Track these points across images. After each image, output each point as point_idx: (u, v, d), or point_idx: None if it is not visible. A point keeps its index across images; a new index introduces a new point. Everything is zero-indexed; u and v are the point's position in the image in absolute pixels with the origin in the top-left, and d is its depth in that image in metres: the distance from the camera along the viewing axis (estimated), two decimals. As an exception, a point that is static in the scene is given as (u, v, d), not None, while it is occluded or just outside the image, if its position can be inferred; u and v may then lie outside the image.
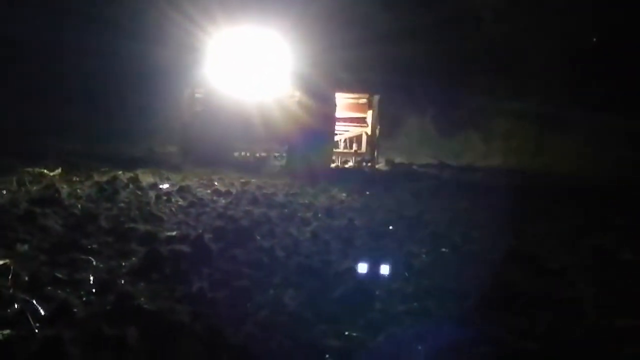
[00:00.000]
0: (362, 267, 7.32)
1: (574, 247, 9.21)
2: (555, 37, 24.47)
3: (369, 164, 15.98)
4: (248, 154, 17.59)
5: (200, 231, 8.65)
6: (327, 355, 5.26)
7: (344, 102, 15.59)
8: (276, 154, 17.06)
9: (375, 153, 16.31)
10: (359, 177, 14.03)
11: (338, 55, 14.15)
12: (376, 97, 15.81)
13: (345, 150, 16.66)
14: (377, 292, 6.67)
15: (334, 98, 14.45)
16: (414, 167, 17.45)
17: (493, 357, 5.31)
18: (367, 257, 7.68)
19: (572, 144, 19.84)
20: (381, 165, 16.14)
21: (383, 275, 7.28)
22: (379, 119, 16.20)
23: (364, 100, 15.82)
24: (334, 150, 15.71)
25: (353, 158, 16.63)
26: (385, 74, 17.05)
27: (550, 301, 6.78)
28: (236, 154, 16.97)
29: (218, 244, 8.19)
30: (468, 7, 26.73)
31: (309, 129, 13.79)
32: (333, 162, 15.85)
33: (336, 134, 15.76)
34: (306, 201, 11.75)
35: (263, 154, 17.66)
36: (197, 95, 15.27)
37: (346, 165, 16.66)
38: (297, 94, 14.23)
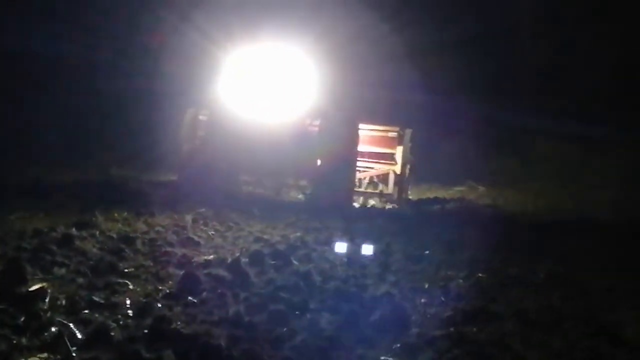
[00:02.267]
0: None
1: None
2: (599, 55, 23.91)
3: (389, 204, 13.81)
4: (258, 190, 14.77)
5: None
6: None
7: (370, 135, 13.74)
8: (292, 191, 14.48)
9: (404, 195, 14.14)
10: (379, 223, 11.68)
11: (366, 78, 12.76)
12: (408, 131, 13.80)
13: (369, 190, 14.40)
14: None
15: (357, 129, 12.75)
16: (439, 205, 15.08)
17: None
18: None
19: (616, 168, 18.80)
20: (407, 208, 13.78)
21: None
22: (410, 156, 14.05)
23: (393, 134, 13.74)
24: (355, 189, 13.59)
25: (378, 199, 14.18)
26: (418, 106, 16.16)
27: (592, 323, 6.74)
28: (246, 188, 14.45)
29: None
30: (507, 24, 25.46)
31: (328, 163, 12.28)
32: (354, 201, 13.55)
33: (359, 171, 13.75)
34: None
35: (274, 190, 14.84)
36: (201, 117, 13.58)
37: (369, 205, 14.16)
38: (317, 122, 12.76)
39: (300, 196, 13.28)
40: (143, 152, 15.67)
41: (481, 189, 17.62)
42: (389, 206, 13.60)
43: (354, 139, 12.45)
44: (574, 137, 20.71)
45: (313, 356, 5.59)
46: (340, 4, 13.05)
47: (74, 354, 5.24)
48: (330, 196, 11.90)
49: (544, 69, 23.83)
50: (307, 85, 12.53)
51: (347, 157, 12.35)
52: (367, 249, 9.25)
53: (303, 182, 13.86)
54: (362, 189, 14.11)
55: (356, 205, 13.44)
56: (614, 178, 17.07)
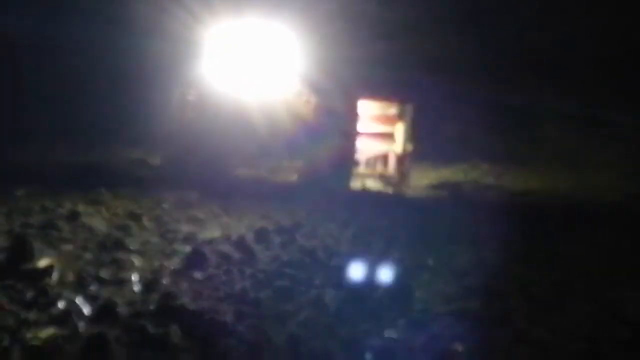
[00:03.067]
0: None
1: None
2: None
3: (391, 187, 12.88)
4: (254, 171, 13.70)
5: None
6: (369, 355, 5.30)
7: (368, 113, 12.84)
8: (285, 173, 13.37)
9: (405, 176, 13.08)
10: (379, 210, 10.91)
11: (361, 52, 11.56)
12: (409, 107, 12.86)
13: (368, 171, 13.17)
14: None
15: (356, 106, 11.90)
16: (449, 191, 13.75)
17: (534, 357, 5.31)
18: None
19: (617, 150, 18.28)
20: (411, 193, 12.66)
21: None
22: (412, 133, 13.01)
23: (393, 111, 12.88)
24: (354, 170, 12.54)
25: (379, 180, 13.14)
26: (421, 75, 13.88)
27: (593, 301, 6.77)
28: (239, 170, 13.23)
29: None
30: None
31: (324, 142, 11.22)
32: (352, 184, 12.53)
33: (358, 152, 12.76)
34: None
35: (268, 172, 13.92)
36: (189, 97, 12.23)
37: (368, 188, 13.01)
38: (311, 99, 11.49)
39: (294, 177, 12.36)
40: (135, 133, 14.97)
41: (484, 167, 17.15)
42: (389, 190, 12.81)
43: (352, 116, 11.81)
44: (578, 119, 20.27)
45: (318, 332, 5.65)
46: None
47: (81, 329, 5.30)
48: (326, 178, 11.12)
49: (545, 50, 23.43)
50: (298, 61, 11.63)
51: (345, 135, 11.57)
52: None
53: (299, 163, 12.57)
54: (360, 170, 13.00)
55: (354, 187, 12.50)
56: (615, 160, 16.66)
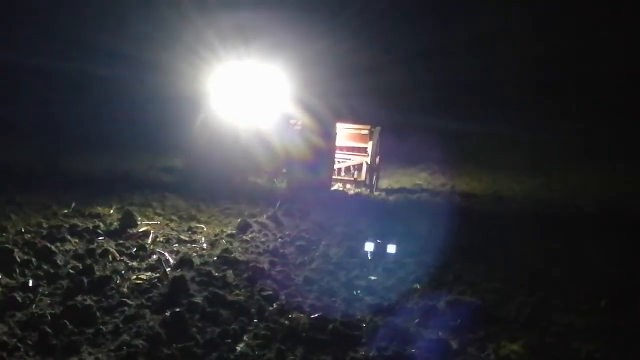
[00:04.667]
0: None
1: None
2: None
3: (367, 191, 11.96)
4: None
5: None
6: (357, 291, 5.38)
7: (346, 132, 12.02)
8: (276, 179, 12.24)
9: (374, 181, 12.40)
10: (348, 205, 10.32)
11: (339, 87, 11.04)
12: (377, 129, 12.27)
13: (346, 177, 12.30)
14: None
15: (335, 128, 10.99)
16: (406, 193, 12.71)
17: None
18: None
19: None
20: (379, 193, 12.01)
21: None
22: (379, 149, 12.46)
23: (365, 131, 12.12)
24: (334, 177, 11.60)
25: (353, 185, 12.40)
26: (386, 107, 13.64)
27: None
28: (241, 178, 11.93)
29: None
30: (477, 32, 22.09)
31: (310, 154, 10.47)
32: (332, 186, 11.56)
33: (338, 162, 11.95)
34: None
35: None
36: (203, 121, 11.13)
37: (346, 190, 12.09)
38: (300, 122, 10.90)
39: (282, 184, 11.42)
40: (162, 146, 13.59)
41: (432, 170, 16.19)
42: (361, 190, 11.83)
43: (331, 135, 10.84)
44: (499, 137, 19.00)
45: (324, 275, 5.79)
46: (313, 30, 11.69)
47: (167, 273, 5.41)
48: (311, 182, 10.42)
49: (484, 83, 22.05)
50: (288, 94, 10.73)
51: (326, 149, 10.70)
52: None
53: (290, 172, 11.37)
54: (340, 177, 12.07)
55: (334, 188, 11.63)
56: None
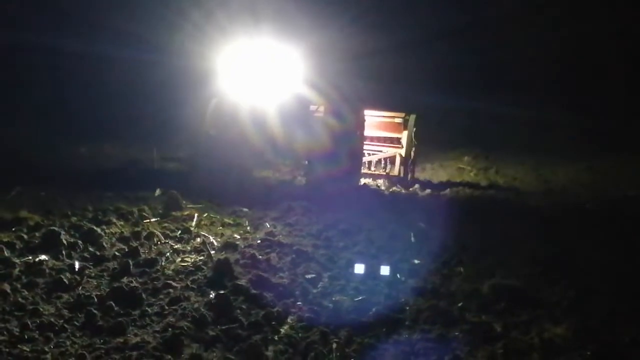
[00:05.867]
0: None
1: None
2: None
3: (396, 187, 10.41)
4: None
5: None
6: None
7: (376, 121, 10.69)
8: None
9: (409, 176, 10.78)
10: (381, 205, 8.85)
11: (366, 69, 10.47)
12: (412, 117, 10.70)
13: (376, 172, 10.81)
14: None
15: (362, 115, 9.73)
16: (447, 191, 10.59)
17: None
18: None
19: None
20: (415, 189, 10.29)
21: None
22: (415, 141, 10.91)
23: (399, 120, 10.63)
24: (363, 171, 10.25)
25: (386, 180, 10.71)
26: (422, 92, 12.47)
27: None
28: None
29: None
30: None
31: (334, 146, 8.97)
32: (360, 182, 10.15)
33: (367, 154, 10.66)
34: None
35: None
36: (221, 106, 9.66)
37: (378, 186, 10.65)
38: (322, 108, 9.48)
39: (302, 179, 9.89)
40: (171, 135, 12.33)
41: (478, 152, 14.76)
42: (395, 188, 10.15)
43: (359, 124, 9.46)
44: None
45: (367, 260, 5.75)
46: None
47: (212, 256, 5.49)
48: (335, 177, 8.76)
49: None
50: (305, 76, 9.23)
51: (353, 140, 9.24)
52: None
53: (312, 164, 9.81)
54: (370, 171, 10.57)
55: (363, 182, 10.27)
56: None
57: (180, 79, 10.83)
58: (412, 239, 6.63)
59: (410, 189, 10.13)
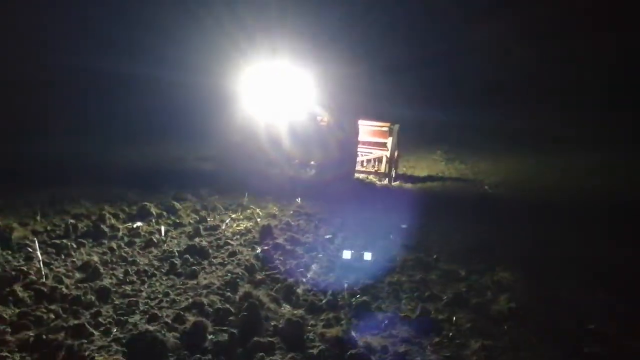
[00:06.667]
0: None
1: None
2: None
3: (383, 181, 9.97)
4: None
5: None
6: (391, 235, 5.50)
7: (368, 129, 10.09)
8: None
9: (393, 172, 10.23)
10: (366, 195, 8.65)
11: (361, 87, 9.78)
12: (396, 126, 10.28)
13: (367, 169, 10.24)
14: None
15: (357, 124, 9.33)
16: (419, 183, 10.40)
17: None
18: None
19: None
20: (397, 183, 10.03)
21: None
22: (398, 145, 10.51)
23: (385, 128, 10.06)
24: (357, 168, 9.82)
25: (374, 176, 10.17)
26: (403, 106, 11.92)
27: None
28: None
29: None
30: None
31: (335, 148, 8.76)
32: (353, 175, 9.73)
33: (361, 155, 10.11)
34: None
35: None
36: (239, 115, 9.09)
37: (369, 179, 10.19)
38: (325, 119, 9.12)
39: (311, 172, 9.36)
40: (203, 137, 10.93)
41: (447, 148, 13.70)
42: (382, 182, 9.76)
43: (354, 132, 9.09)
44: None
45: (372, 223, 5.85)
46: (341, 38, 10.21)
47: (258, 222, 5.61)
48: (333, 173, 8.61)
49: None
50: (312, 93, 8.89)
51: (347, 144, 8.96)
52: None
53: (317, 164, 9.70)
54: (363, 168, 9.96)
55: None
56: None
57: (211, 96, 9.50)
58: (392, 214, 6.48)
59: (393, 182, 9.89)
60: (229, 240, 5.06)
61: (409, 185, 9.54)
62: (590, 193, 8.56)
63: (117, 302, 3.67)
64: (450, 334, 3.47)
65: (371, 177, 9.98)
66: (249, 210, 6.28)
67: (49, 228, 5.23)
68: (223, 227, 5.52)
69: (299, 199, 7.02)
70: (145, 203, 5.95)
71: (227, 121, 8.98)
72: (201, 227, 5.42)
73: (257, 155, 8.65)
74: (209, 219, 5.81)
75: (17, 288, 3.66)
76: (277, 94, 8.92)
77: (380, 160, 10.19)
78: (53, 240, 4.79)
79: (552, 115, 16.28)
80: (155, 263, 4.45)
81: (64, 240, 4.78)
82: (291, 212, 6.36)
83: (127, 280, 4.05)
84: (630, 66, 17.68)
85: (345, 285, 4.10)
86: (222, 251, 4.79)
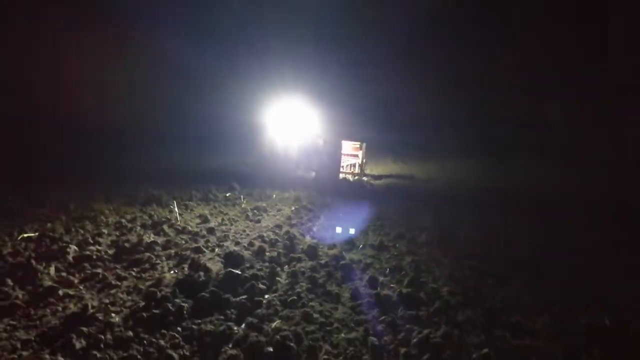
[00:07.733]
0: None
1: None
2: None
3: (357, 178, 13.40)
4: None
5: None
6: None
7: (349, 145, 14.12)
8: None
9: (363, 173, 14.24)
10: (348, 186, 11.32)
11: (346, 120, 12.43)
12: (364, 144, 14.19)
13: (347, 171, 14.12)
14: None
15: (341, 143, 12.67)
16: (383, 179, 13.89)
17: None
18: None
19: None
20: (366, 179, 13.34)
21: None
22: (366, 156, 14.40)
23: (357, 145, 14.26)
24: (341, 171, 13.41)
25: (351, 175, 13.87)
26: (369, 132, 13.97)
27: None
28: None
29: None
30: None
31: (328, 158, 12.20)
32: (339, 175, 13.20)
33: (343, 162, 13.74)
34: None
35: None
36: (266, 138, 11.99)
37: (348, 178, 13.56)
38: (322, 140, 12.28)
39: (312, 174, 11.90)
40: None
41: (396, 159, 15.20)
42: (356, 178, 12.97)
43: (339, 147, 12.18)
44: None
45: (350, 205, 7.46)
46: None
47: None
48: (327, 174, 11.67)
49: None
50: (315, 122, 11.76)
51: (335, 155, 12.10)
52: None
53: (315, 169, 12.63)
54: (344, 171, 13.65)
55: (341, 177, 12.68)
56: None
57: (251, 126, 12.00)
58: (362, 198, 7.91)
59: (363, 178, 12.93)
60: (277, 203, 6.60)
61: (372, 181, 11.81)
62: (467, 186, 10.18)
63: (217, 234, 4.95)
64: (395, 253, 4.82)
65: (349, 176, 12.99)
66: (287, 194, 7.68)
67: (181, 196, 6.82)
68: (274, 196, 7.13)
69: (310, 190, 8.64)
70: (188, 202, 6.94)
71: (259, 141, 11.63)
72: (263, 195, 7.10)
73: (279, 163, 11.28)
74: (268, 192, 7.37)
75: (165, 227, 4.94)
76: (292, 124, 11.55)
77: (354, 165, 13.55)
78: (184, 202, 6.38)
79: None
80: (238, 214, 5.93)
81: (189, 202, 6.38)
82: (306, 194, 7.85)
83: (223, 223, 5.37)
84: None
85: (340, 229, 5.34)
86: (274, 209, 6.27)
